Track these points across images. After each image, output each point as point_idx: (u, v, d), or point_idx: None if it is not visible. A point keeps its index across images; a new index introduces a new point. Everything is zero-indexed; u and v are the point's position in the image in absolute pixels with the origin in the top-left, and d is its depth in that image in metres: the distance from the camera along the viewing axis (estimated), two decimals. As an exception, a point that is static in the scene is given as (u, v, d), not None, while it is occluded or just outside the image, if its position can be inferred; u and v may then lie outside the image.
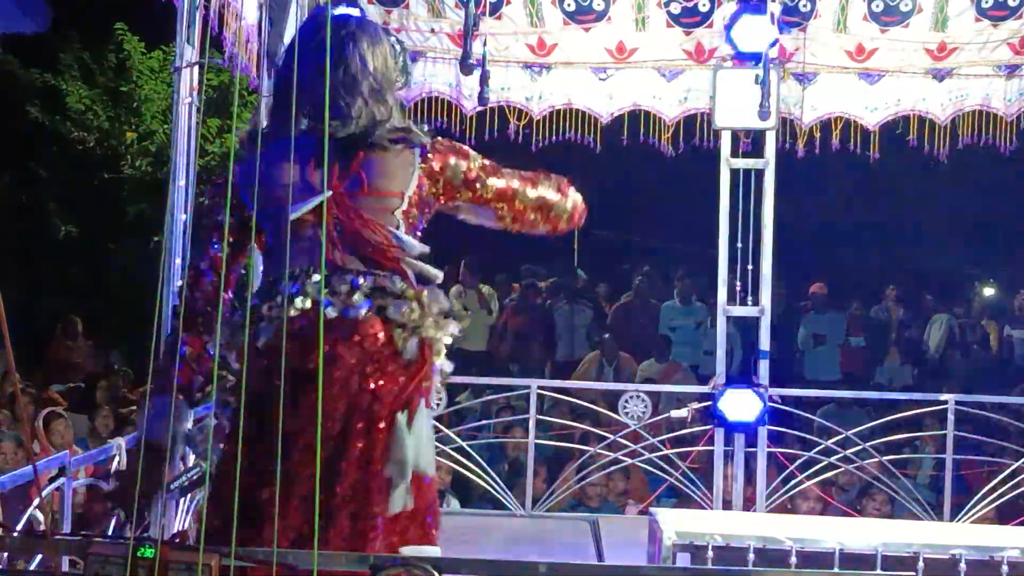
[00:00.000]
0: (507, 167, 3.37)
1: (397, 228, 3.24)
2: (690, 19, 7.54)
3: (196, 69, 5.14)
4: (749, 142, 7.59)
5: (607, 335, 12.10)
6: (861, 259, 16.77)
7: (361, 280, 3.20)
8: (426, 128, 3.37)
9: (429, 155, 3.30)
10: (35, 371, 10.78)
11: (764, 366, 7.48)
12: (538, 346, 12.42)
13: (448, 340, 3.27)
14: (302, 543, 2.95)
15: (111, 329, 12.32)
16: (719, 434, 7.51)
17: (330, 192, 3.17)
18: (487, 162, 3.38)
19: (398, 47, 3.46)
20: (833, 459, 7.72)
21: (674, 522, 5.17)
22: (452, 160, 3.32)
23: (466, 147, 3.39)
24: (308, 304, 3.16)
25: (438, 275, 3.30)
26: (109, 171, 13.03)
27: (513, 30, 7.59)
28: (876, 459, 7.79)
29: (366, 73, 3.30)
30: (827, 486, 7.97)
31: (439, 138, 3.37)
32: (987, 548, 5.05)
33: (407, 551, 3.06)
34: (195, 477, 3.50)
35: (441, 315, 3.24)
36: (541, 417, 8.08)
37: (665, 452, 7.81)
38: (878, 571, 4.78)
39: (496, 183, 3.36)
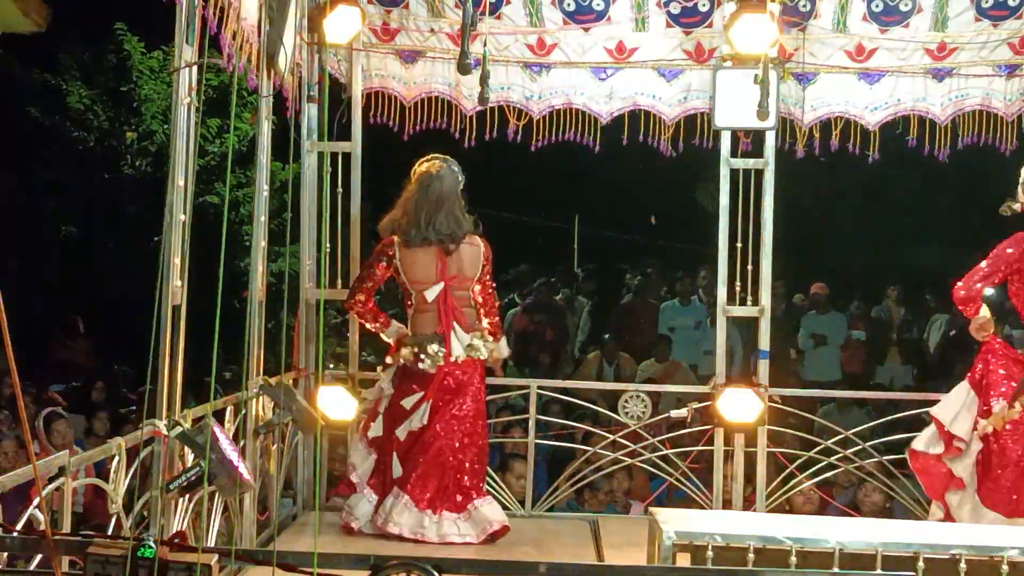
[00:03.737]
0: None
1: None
2: (690, 19, 7.54)
3: (195, 69, 5.13)
4: (749, 142, 7.58)
5: (607, 335, 12.10)
6: (861, 259, 16.79)
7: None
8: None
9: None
10: (35, 371, 10.78)
11: (764, 366, 7.48)
12: (550, 346, 12.45)
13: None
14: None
15: (111, 329, 12.32)
16: (719, 434, 7.51)
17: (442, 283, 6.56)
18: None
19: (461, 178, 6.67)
20: (833, 459, 7.72)
21: (674, 522, 5.16)
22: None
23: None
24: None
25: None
26: (109, 171, 13.02)
27: (513, 30, 7.58)
28: (876, 459, 7.78)
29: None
30: (827, 486, 7.97)
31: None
32: (987, 548, 5.04)
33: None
34: (194, 477, 3.50)
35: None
36: (541, 417, 8.06)
37: (665, 452, 7.80)
38: (878, 571, 4.77)
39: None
